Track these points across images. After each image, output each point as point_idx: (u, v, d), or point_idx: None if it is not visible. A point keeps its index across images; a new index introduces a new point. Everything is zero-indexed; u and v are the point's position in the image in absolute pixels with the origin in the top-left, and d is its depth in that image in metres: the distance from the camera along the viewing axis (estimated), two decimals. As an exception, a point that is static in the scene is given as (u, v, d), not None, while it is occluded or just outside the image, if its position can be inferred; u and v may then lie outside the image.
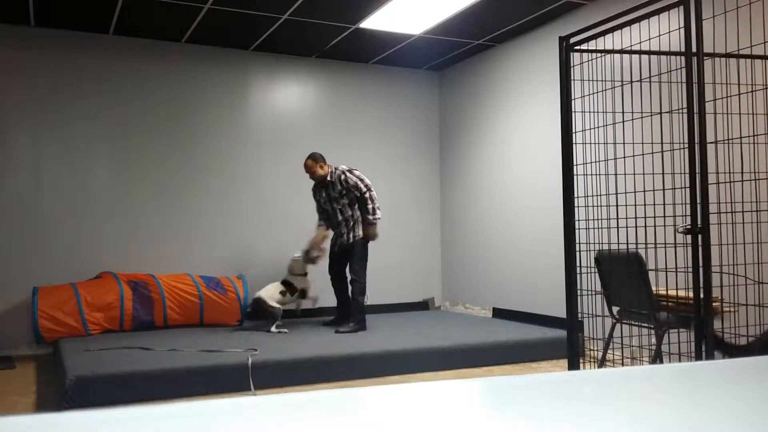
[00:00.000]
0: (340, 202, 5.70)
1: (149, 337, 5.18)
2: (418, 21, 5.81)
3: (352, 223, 5.68)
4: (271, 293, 5.62)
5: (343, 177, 5.65)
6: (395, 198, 7.28)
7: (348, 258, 5.74)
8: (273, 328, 5.45)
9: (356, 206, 5.68)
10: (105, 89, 6.13)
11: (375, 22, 5.79)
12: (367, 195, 5.64)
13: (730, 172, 3.23)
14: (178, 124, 6.40)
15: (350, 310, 5.67)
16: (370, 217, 5.65)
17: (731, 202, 3.23)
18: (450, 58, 7.02)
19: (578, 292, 3.61)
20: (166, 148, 6.34)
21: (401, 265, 7.29)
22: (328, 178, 5.70)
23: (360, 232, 5.67)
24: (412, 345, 4.91)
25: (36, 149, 5.90)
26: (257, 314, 5.64)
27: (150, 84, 6.29)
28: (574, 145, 3.67)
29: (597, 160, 3.66)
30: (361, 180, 5.66)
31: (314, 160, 5.70)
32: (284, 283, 5.69)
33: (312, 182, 5.88)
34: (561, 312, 3.91)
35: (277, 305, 5.57)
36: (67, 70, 6.00)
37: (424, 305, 7.36)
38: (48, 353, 5.44)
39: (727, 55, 3.29)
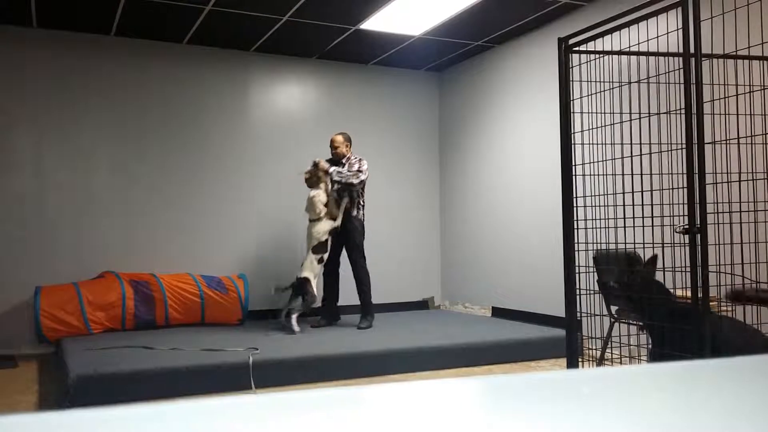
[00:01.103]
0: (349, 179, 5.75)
1: (151, 336, 5.19)
2: (418, 22, 5.82)
3: (347, 206, 5.76)
4: (313, 269, 5.52)
5: (352, 160, 5.78)
6: (395, 198, 7.29)
7: (346, 247, 5.81)
8: (294, 324, 5.33)
9: (355, 192, 5.77)
10: (106, 90, 6.14)
11: (375, 23, 5.80)
12: (352, 175, 5.68)
13: (727, 173, 3.24)
14: (180, 125, 6.41)
15: (362, 305, 5.80)
16: (348, 172, 5.69)
17: (729, 203, 3.24)
18: (450, 59, 7.03)
19: (577, 291, 3.62)
20: (168, 149, 6.35)
21: (401, 265, 7.30)
22: (343, 161, 5.82)
23: (354, 213, 5.75)
24: (411, 344, 4.92)
25: (38, 149, 5.91)
26: (296, 293, 5.52)
27: (151, 85, 6.30)
28: (573, 146, 3.68)
29: (596, 160, 3.67)
30: (360, 167, 5.74)
31: (344, 138, 5.86)
32: (314, 249, 5.55)
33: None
34: (560, 311, 3.92)
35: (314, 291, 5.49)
36: (68, 71, 6.01)
37: (423, 304, 7.37)
38: (50, 352, 5.45)
39: (725, 56, 3.30)
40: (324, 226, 5.59)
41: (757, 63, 3.54)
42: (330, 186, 5.71)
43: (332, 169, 5.69)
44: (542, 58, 5.91)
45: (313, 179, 5.71)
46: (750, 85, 3.35)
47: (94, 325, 5.38)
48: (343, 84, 7.11)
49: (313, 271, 5.51)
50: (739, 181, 3.26)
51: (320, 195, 5.63)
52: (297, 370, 4.40)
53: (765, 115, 3.33)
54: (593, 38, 3.54)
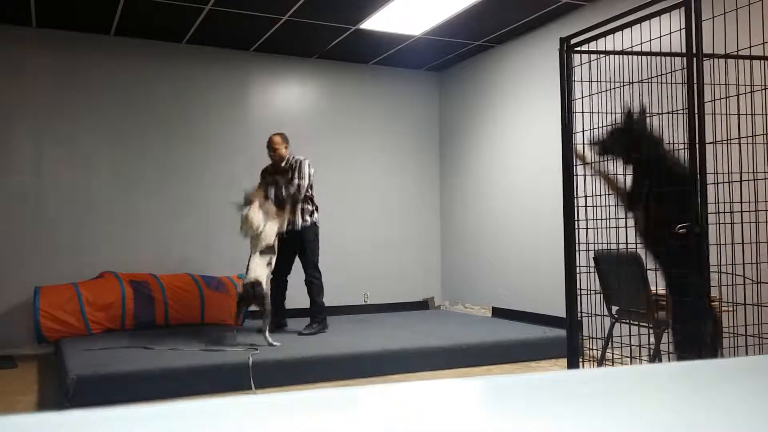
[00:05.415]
0: (290, 190, 5.35)
1: (151, 336, 5.19)
2: (419, 22, 5.82)
3: (300, 209, 5.37)
4: (261, 272, 4.97)
5: (296, 166, 5.39)
6: (395, 198, 7.29)
7: (298, 253, 5.48)
8: (269, 338, 4.80)
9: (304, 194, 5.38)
10: (106, 90, 6.14)
11: (375, 22, 5.80)
12: (292, 190, 5.28)
13: (728, 173, 3.23)
14: (180, 125, 6.41)
15: (311, 312, 5.48)
16: (292, 192, 5.29)
17: (730, 202, 3.23)
18: (450, 58, 7.03)
19: (577, 291, 3.62)
20: (168, 149, 6.35)
21: (401, 265, 7.30)
22: (283, 164, 5.47)
23: (308, 219, 5.41)
24: (411, 344, 4.92)
25: (38, 149, 5.91)
26: (247, 301, 4.98)
27: (151, 85, 6.31)
28: (574, 146, 3.68)
29: (597, 160, 3.66)
30: (301, 177, 5.34)
31: (283, 138, 5.47)
32: (263, 252, 5.03)
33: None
34: (560, 311, 3.92)
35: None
36: (68, 70, 6.01)
37: (423, 305, 7.37)
38: (49, 353, 5.45)
39: (727, 56, 3.29)
40: (271, 230, 5.10)
41: (759, 63, 3.54)
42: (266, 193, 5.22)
43: (272, 192, 5.24)
44: (542, 58, 5.91)
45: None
46: (751, 85, 3.35)
47: (94, 325, 5.38)
48: (343, 84, 7.11)
49: (264, 273, 5.01)
50: (740, 181, 3.25)
51: (254, 211, 5.04)
52: (297, 370, 4.39)
53: (766, 115, 3.33)
54: (594, 38, 3.53)
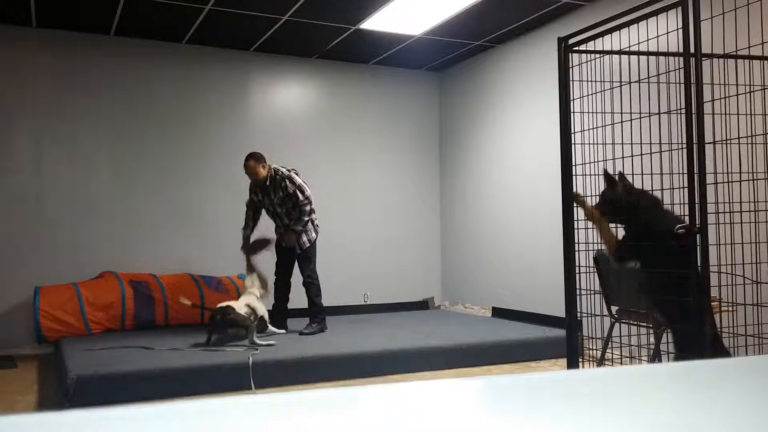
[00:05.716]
0: (284, 208, 5.42)
1: (150, 336, 5.19)
2: (419, 22, 5.82)
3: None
4: (236, 304, 4.97)
5: (284, 183, 5.35)
6: (395, 198, 7.30)
7: (298, 261, 5.53)
8: (259, 341, 4.80)
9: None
10: (106, 90, 6.14)
11: (375, 22, 5.80)
12: (306, 208, 5.35)
13: (728, 173, 3.23)
14: (179, 125, 6.41)
15: (311, 313, 5.52)
16: (298, 227, 5.38)
17: (729, 202, 3.24)
18: (450, 58, 7.03)
19: (577, 291, 3.62)
20: (168, 149, 6.35)
21: (401, 265, 7.30)
22: (267, 183, 5.40)
23: (312, 236, 5.49)
24: (411, 344, 4.92)
25: (37, 149, 5.91)
26: (214, 323, 4.82)
27: (151, 85, 6.31)
28: (572, 146, 3.68)
29: (596, 160, 3.66)
30: (302, 191, 5.35)
31: (256, 160, 5.34)
32: (247, 305, 5.06)
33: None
34: (560, 311, 3.92)
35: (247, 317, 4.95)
36: (68, 70, 6.01)
37: (423, 305, 7.37)
38: (49, 353, 5.45)
39: (725, 56, 3.29)
40: (258, 305, 5.18)
41: (758, 63, 3.54)
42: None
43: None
44: (542, 57, 5.91)
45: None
46: (750, 85, 3.35)
47: (94, 325, 5.38)
48: (343, 84, 7.11)
49: (238, 304, 4.95)
50: (740, 181, 3.26)
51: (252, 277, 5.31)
52: (297, 370, 4.39)
53: (765, 114, 3.33)
54: (593, 38, 3.53)
